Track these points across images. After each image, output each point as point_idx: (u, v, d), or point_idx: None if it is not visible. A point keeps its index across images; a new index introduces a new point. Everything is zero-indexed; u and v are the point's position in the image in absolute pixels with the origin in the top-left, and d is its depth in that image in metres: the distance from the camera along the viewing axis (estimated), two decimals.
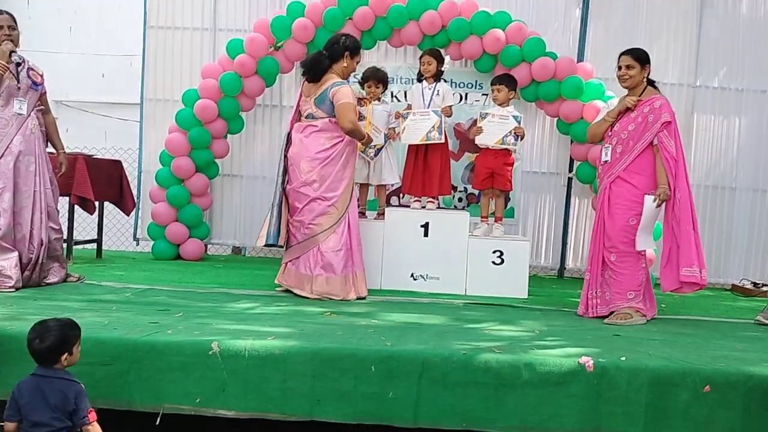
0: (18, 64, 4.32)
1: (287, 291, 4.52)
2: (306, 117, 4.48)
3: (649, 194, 4.01)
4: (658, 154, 4.02)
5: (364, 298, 4.49)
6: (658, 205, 4.00)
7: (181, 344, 2.94)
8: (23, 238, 4.28)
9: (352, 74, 4.67)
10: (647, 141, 4.04)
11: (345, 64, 4.48)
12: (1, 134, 4.23)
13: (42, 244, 4.33)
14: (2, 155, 4.22)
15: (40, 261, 4.33)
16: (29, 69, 4.40)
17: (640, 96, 4.15)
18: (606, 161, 4.20)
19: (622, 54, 4.21)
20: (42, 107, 4.51)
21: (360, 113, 4.79)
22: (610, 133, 4.24)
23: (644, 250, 4.11)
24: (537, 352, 3.00)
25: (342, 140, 4.40)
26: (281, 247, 4.56)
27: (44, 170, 4.42)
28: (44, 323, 2.64)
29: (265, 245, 4.55)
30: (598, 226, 4.21)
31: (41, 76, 4.47)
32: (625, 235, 4.06)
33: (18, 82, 4.29)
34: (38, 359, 2.59)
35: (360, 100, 4.87)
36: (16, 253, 4.22)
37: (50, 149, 4.63)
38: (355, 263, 4.48)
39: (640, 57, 4.17)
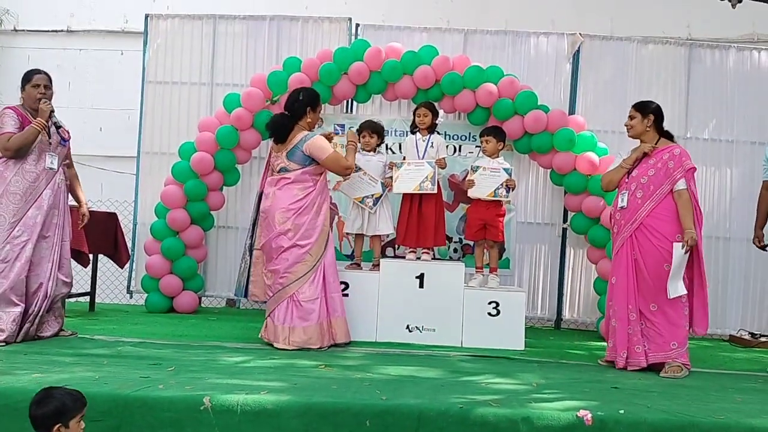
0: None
1: (270, 345, 4.50)
2: (279, 171, 4.59)
3: (676, 241, 4.03)
4: (679, 200, 4.08)
5: (345, 345, 4.51)
6: (687, 251, 4.02)
7: (172, 400, 2.90)
8: (37, 289, 4.30)
9: (317, 124, 4.81)
10: (668, 186, 4.10)
11: (309, 120, 4.64)
12: (32, 187, 4.30)
13: (47, 297, 4.33)
14: (30, 207, 4.28)
15: (40, 313, 4.31)
16: (60, 127, 4.53)
17: (655, 144, 4.24)
18: (623, 207, 4.24)
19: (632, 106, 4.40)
20: (67, 161, 4.63)
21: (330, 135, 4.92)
22: (627, 180, 4.29)
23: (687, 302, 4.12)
24: (534, 405, 2.96)
25: (314, 189, 4.53)
26: (256, 300, 4.71)
27: (65, 223, 4.50)
28: (50, 389, 2.54)
29: (235, 296, 4.63)
30: (628, 277, 4.16)
31: (68, 132, 4.60)
32: (663, 284, 4.05)
33: (49, 138, 4.40)
34: (32, 424, 2.50)
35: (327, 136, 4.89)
36: (20, 308, 4.20)
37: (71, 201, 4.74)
38: (332, 310, 4.51)
39: (642, 107, 4.32)
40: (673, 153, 4.16)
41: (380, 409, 2.85)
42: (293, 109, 4.63)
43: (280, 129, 4.61)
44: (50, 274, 4.35)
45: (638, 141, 4.38)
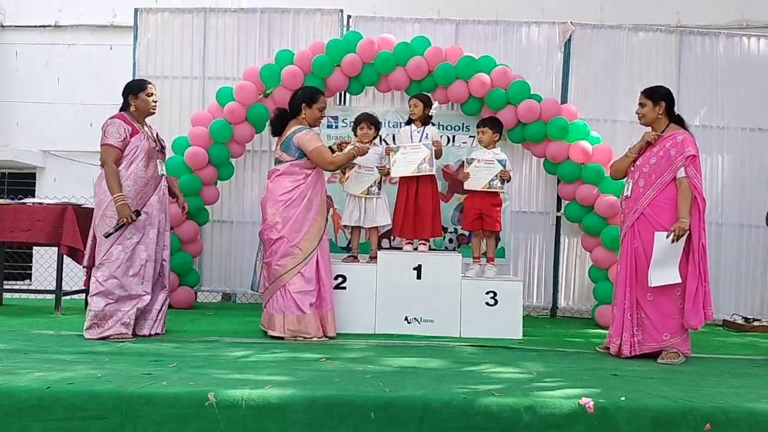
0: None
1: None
2: (275, 163, 4.70)
3: (659, 231, 4.00)
4: (679, 188, 4.02)
5: (333, 338, 4.56)
6: (674, 240, 3.95)
7: (176, 396, 2.89)
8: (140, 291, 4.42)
9: (319, 120, 4.80)
10: (670, 175, 4.04)
11: (304, 115, 4.67)
12: (142, 192, 4.39)
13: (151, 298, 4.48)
14: (141, 211, 4.38)
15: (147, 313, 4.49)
16: (157, 133, 4.68)
17: (662, 132, 4.19)
18: (627, 196, 4.23)
19: (641, 92, 4.31)
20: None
21: (343, 143, 4.95)
22: (632, 168, 4.26)
23: (681, 285, 4.04)
24: (537, 394, 2.98)
25: (304, 182, 4.56)
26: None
27: (167, 228, 4.62)
28: None
29: (251, 290, 4.84)
30: (628, 265, 4.16)
31: (163, 140, 4.79)
32: None
33: (156, 144, 4.52)
34: None
35: (340, 145, 4.94)
36: (132, 305, 4.38)
37: None
38: (326, 303, 4.56)
39: (653, 93, 4.24)
40: (676, 140, 4.08)
41: (384, 402, 2.86)
42: (291, 106, 4.73)
43: (275, 122, 4.71)
44: (153, 275, 4.47)
45: (649, 128, 4.31)
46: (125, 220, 4.23)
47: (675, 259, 4.01)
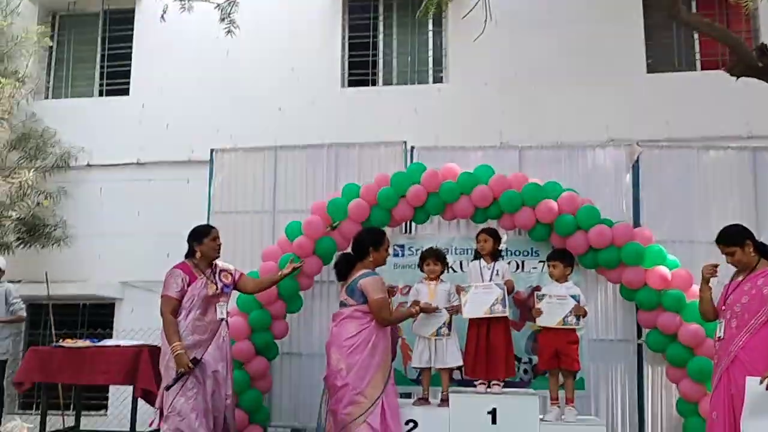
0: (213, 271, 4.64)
1: None
2: (340, 305, 4.68)
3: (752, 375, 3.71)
4: None
5: None
6: None
7: None
8: None
9: (386, 259, 4.89)
10: (765, 315, 3.81)
11: (371, 258, 4.72)
12: (200, 340, 4.44)
13: None
14: (201, 358, 4.40)
15: None
16: (221, 271, 4.67)
17: (754, 269, 3.96)
18: (720, 337, 3.98)
19: (716, 241, 4.12)
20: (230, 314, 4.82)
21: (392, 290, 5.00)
22: (723, 307, 4.02)
23: None
24: None
25: (368, 327, 4.51)
26: None
27: (229, 377, 4.61)
28: None
29: None
30: (726, 414, 3.86)
31: (231, 274, 4.74)
32: None
33: (217, 289, 4.55)
34: None
35: (391, 290, 4.97)
36: None
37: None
38: None
39: (733, 238, 4.05)
40: None
41: None
42: (357, 250, 4.76)
43: (341, 266, 4.77)
44: (217, 426, 4.48)
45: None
46: (183, 369, 4.25)
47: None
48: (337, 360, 4.45)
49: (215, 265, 4.66)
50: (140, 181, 8.96)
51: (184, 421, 4.28)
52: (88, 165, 9.11)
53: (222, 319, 4.54)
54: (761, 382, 3.67)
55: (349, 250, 4.98)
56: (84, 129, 9.09)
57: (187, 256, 4.65)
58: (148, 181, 8.94)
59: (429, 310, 4.75)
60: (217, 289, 4.55)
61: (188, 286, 4.46)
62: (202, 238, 4.58)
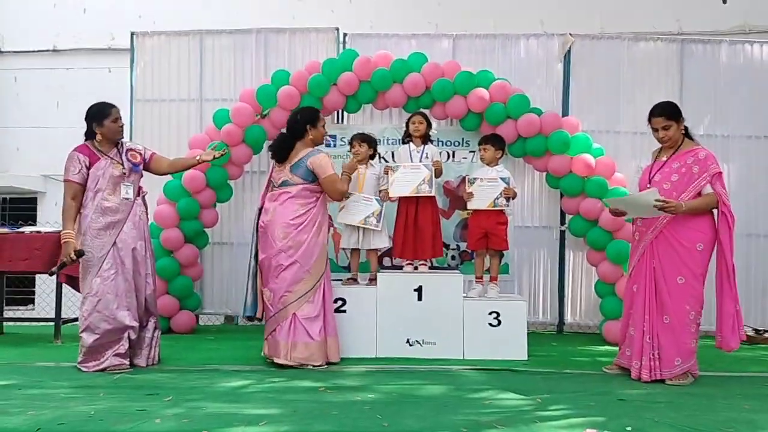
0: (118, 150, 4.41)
1: (271, 362, 4.46)
2: (280, 185, 4.55)
3: (696, 250, 3.90)
4: (706, 196, 3.90)
5: (336, 363, 4.48)
6: (656, 205, 3.81)
7: None
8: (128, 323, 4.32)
9: (324, 137, 4.78)
10: (692, 192, 3.91)
11: (311, 136, 4.60)
12: (113, 221, 4.28)
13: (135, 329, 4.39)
14: (114, 241, 4.27)
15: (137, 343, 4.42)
16: (128, 150, 4.44)
17: (678, 148, 4.05)
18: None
19: (652, 115, 4.08)
20: (145, 192, 4.59)
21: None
22: (649, 185, 4.05)
23: (696, 308, 3.94)
24: (540, 425, 2.90)
25: (315, 206, 4.49)
26: (260, 320, 4.62)
27: (148, 257, 4.48)
28: None
29: (244, 317, 4.66)
30: (647, 286, 4.02)
31: (140, 153, 4.51)
32: (677, 296, 3.92)
33: (124, 168, 4.34)
34: None
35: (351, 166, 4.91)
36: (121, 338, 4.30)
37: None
38: (329, 330, 4.48)
39: (672, 113, 4.04)
40: (698, 157, 3.94)
41: None
42: (293, 129, 4.62)
43: (281, 148, 4.61)
44: (139, 304, 4.39)
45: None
46: (65, 259, 4.16)
47: (636, 212, 4.05)
48: (284, 237, 4.40)
49: (121, 144, 4.41)
50: (58, 70, 8.47)
51: (101, 302, 4.21)
52: (0, 51, 8.52)
53: (128, 200, 4.33)
54: (656, 199, 3.82)
55: (284, 131, 4.83)
56: None
57: (87, 137, 4.38)
58: (66, 70, 8.46)
59: (352, 167, 4.78)
60: (123, 168, 4.34)
61: (89, 168, 4.24)
62: (102, 119, 4.28)
